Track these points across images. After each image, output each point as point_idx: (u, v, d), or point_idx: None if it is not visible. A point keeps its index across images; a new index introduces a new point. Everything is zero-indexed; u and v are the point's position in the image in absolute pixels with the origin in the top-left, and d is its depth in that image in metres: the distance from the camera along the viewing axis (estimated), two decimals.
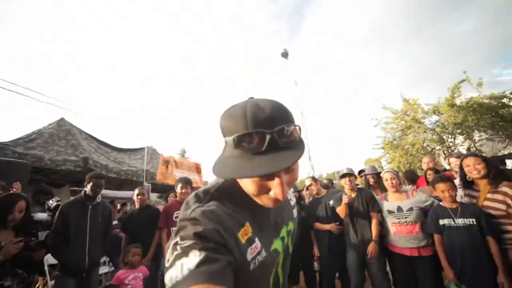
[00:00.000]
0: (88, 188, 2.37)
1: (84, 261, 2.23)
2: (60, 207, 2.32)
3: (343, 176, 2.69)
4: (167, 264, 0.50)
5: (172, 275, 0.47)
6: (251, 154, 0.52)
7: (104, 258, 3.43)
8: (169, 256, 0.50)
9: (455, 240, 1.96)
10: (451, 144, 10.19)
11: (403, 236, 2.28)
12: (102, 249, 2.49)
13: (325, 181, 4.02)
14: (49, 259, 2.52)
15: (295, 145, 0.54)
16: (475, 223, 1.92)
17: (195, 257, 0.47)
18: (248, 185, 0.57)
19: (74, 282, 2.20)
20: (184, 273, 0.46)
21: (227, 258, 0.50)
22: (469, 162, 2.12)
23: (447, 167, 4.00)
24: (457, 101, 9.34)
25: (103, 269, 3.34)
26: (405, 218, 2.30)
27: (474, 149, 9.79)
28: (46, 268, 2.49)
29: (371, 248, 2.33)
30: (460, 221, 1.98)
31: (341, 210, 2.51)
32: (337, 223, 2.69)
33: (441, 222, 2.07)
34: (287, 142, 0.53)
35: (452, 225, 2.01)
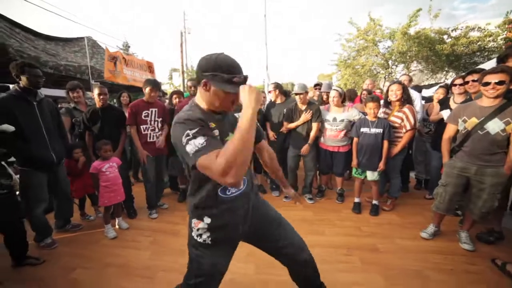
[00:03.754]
0: (23, 80, 2.06)
1: (51, 156, 2.21)
2: None
3: (296, 94, 3.10)
4: (183, 141, 0.89)
5: (191, 148, 0.87)
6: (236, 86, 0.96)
7: None
8: (183, 139, 0.90)
9: (366, 142, 2.77)
10: (392, 71, 11.43)
11: (331, 138, 3.08)
12: (64, 147, 2.45)
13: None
14: None
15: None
16: (381, 131, 2.70)
17: (201, 139, 0.88)
18: (222, 98, 1.00)
19: (45, 176, 2.25)
20: (198, 146, 0.86)
21: (213, 135, 0.96)
22: (393, 87, 2.77)
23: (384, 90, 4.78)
24: (411, 30, 9.83)
25: None
26: (337, 126, 3.01)
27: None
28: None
29: (304, 148, 3.10)
30: (373, 130, 2.75)
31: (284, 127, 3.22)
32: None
33: (362, 129, 2.81)
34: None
35: (368, 132, 2.77)
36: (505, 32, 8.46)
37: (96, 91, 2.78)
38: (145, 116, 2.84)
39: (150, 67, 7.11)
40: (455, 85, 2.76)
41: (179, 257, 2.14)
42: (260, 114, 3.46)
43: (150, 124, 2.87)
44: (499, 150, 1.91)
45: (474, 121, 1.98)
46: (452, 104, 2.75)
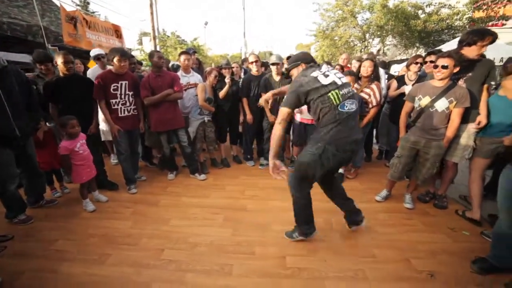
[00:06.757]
0: None
1: (12, 130, 2.05)
2: None
3: (272, 64, 3.17)
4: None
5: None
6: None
7: None
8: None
9: None
10: (368, 44, 11.63)
11: (306, 111, 3.20)
12: (33, 121, 2.30)
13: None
14: None
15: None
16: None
17: None
18: None
19: (9, 151, 2.12)
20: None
21: None
22: (366, 64, 2.95)
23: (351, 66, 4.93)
24: (391, 2, 9.89)
25: None
26: None
27: (383, 51, 11.62)
28: None
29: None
30: None
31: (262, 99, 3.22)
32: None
33: None
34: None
35: None
36: (470, 11, 8.94)
37: (60, 59, 2.51)
38: (114, 90, 2.69)
39: (117, 31, 6.45)
40: (415, 63, 3.00)
41: (161, 224, 2.29)
42: (235, 86, 3.46)
43: (121, 98, 2.75)
44: (442, 125, 2.22)
45: (427, 99, 2.24)
46: (408, 81, 3.02)
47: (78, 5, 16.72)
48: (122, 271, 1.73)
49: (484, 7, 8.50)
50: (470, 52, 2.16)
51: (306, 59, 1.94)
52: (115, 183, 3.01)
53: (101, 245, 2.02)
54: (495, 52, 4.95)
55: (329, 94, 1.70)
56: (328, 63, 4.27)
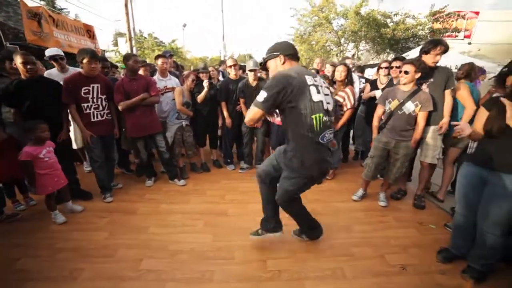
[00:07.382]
0: None
1: None
2: None
3: (250, 70, 3.23)
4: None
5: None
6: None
7: None
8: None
9: None
10: (343, 48, 12.15)
11: None
12: None
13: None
14: None
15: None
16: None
17: None
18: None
19: None
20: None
21: None
22: (340, 68, 3.09)
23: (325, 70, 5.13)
24: (362, 10, 10.46)
25: None
26: None
27: (357, 56, 12.21)
28: None
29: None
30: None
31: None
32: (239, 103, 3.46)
33: None
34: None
35: None
36: (430, 22, 9.93)
37: (19, 60, 2.28)
38: (85, 93, 2.55)
39: (89, 31, 6.11)
40: (382, 67, 3.22)
41: (139, 233, 2.20)
42: (213, 89, 3.45)
43: (93, 102, 2.62)
44: (410, 127, 2.39)
45: (396, 102, 2.40)
46: (379, 85, 3.22)
47: (43, 1, 15.56)
48: (97, 286, 1.64)
49: (441, 19, 9.60)
50: (428, 59, 2.38)
51: (286, 50, 1.57)
52: (89, 192, 2.84)
53: (72, 259, 1.88)
54: (450, 60, 5.49)
55: (313, 116, 1.43)
56: (304, 67, 4.40)
